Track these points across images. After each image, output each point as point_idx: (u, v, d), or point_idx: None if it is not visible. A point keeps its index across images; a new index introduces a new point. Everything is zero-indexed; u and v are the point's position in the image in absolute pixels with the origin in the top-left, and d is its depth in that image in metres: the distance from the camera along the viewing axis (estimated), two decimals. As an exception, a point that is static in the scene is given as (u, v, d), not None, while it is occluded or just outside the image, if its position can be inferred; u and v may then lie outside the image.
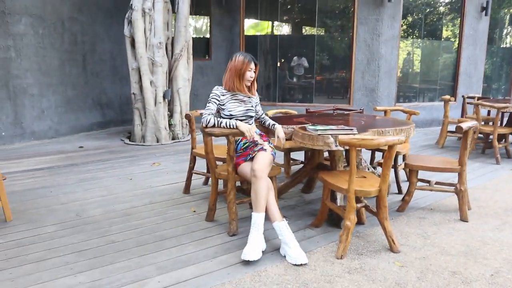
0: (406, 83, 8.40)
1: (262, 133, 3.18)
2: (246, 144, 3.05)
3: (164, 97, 6.54)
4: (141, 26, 6.22)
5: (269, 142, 3.13)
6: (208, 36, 8.53)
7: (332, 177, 3.02)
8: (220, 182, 3.69)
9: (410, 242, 2.99)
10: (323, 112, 4.86)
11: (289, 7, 8.02)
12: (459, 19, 8.51)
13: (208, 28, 8.32)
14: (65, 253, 2.73)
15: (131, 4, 6.22)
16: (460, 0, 8.45)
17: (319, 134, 2.89)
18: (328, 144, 2.88)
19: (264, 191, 2.73)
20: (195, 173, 3.99)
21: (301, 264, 2.58)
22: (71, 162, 5.22)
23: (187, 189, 3.99)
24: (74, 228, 3.14)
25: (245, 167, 2.92)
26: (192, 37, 7.02)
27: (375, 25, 7.27)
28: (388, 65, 7.50)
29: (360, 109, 4.86)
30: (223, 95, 3.10)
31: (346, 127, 3.02)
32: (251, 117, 3.12)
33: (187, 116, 3.79)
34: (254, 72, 3.09)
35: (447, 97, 6.49)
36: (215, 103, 3.06)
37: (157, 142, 6.51)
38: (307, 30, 8.53)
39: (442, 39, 8.98)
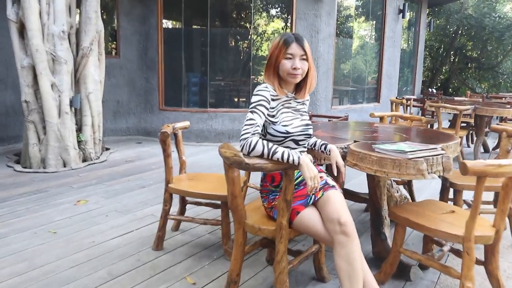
0: (337, 85, 7.97)
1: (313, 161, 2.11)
2: (302, 178, 1.96)
3: (71, 105, 4.88)
4: (35, 7, 4.50)
5: (327, 174, 2.07)
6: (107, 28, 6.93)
7: (416, 216, 2.09)
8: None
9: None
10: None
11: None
12: (381, 20, 8.42)
13: (114, 19, 6.72)
14: None
15: (19, -23, 4.46)
16: (381, 2, 8.35)
17: (410, 158, 1.95)
18: (422, 172, 1.96)
19: (360, 257, 1.69)
20: (173, 219, 2.70)
21: None
22: None
23: (160, 244, 2.67)
24: None
25: (310, 217, 1.82)
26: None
27: (314, 21, 6.62)
28: (326, 65, 6.93)
29: (345, 115, 4.06)
30: (274, 100, 1.94)
31: (431, 146, 2.14)
32: (310, 136, 2.02)
33: (164, 135, 2.48)
34: (303, 58, 1.91)
35: (394, 98, 6.15)
36: (263, 112, 1.87)
37: (64, 166, 4.82)
38: (242, 24, 7.49)
39: (367, 41, 8.83)
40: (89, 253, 2.62)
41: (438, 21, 13.86)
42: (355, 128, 3.11)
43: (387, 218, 2.59)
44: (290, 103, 1.99)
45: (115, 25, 6.74)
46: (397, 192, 3.00)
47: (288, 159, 1.69)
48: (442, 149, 2.12)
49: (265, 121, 1.88)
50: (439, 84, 16.64)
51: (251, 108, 1.84)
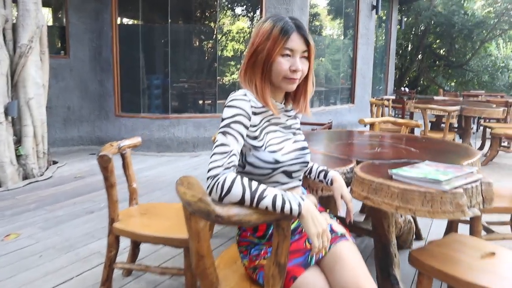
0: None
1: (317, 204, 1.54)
2: (297, 223, 1.38)
3: (6, 114, 4.12)
4: (-46, -2, 3.73)
5: (331, 215, 1.50)
6: (58, 25, 6.15)
7: (447, 263, 1.56)
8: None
9: None
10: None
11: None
12: (354, 17, 8.00)
13: (63, 14, 5.94)
14: None
15: None
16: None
17: (447, 190, 1.41)
18: (461, 208, 1.43)
19: None
20: (121, 268, 2.06)
21: None
22: None
23: (104, 301, 2.02)
24: None
25: (312, 284, 1.24)
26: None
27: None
28: (299, 64, 6.39)
29: (329, 122, 3.52)
30: (256, 114, 1.31)
31: (466, 169, 1.60)
32: (307, 164, 1.42)
33: (104, 160, 1.84)
34: (304, 56, 1.33)
35: (374, 99, 5.72)
36: (241, 133, 1.25)
37: (0, 186, 4.07)
38: (206, 20, 6.85)
39: (340, 38, 8.39)
40: (7, 318, 1.95)
41: (407, 19, 13.70)
42: (347, 140, 2.57)
43: (397, 255, 2.06)
44: (278, 118, 1.39)
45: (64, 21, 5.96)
46: (401, 216, 2.48)
47: (283, 207, 1.10)
48: (478, 172, 1.60)
49: (244, 145, 1.28)
50: (407, 83, 16.57)
51: (223, 127, 1.23)
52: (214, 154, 1.18)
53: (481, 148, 6.19)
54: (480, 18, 12.76)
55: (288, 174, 1.34)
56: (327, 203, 2.05)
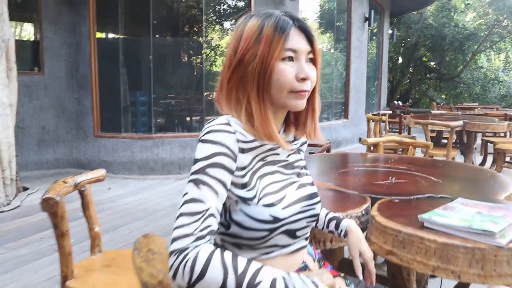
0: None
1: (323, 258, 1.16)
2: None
3: (-35, 138, 3.70)
4: None
5: (347, 280, 1.12)
6: (32, 39, 5.76)
7: None
8: None
9: None
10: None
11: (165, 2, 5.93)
12: (346, 29, 7.75)
13: (37, 28, 5.56)
14: None
15: None
16: (345, 9, 7.69)
17: (502, 246, 1.04)
18: (521, 268, 1.06)
19: None
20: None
21: None
22: None
23: None
24: None
25: None
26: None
27: (275, 28, 5.76)
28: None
29: (327, 142, 3.17)
30: (245, 151, 0.92)
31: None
32: (317, 217, 1.04)
33: (48, 204, 1.44)
34: (310, 59, 0.95)
35: (371, 115, 5.41)
36: (222, 182, 0.85)
37: (-43, 219, 3.61)
38: (192, 33, 6.54)
39: (332, 51, 8.12)
40: None
41: (398, 33, 13.59)
42: (351, 167, 2.20)
43: (419, 310, 1.69)
44: (277, 154, 1.00)
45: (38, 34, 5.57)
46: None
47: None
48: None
49: (227, 197, 0.89)
50: (398, 96, 16.43)
51: (196, 173, 0.84)
52: (181, 215, 0.79)
53: (482, 164, 5.89)
54: (471, 30, 12.67)
55: (292, 234, 0.95)
56: (329, 255, 1.67)
